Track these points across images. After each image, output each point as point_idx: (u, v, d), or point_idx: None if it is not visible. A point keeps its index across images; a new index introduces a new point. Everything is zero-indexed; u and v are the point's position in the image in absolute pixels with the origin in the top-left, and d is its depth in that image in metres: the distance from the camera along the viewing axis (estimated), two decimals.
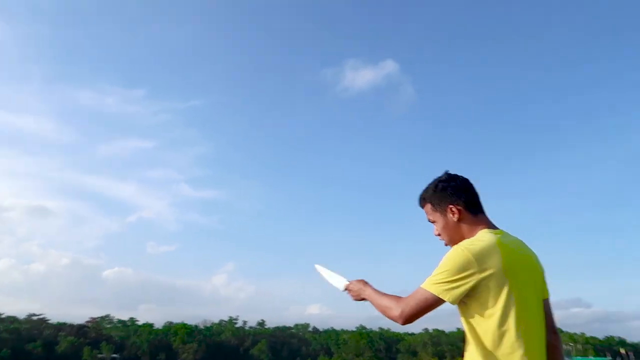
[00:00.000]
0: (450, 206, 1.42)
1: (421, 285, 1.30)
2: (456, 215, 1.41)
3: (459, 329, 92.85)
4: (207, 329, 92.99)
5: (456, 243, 1.35)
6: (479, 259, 1.25)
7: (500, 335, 1.25)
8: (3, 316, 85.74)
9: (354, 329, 76.38)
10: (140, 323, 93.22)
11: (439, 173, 1.50)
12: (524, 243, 1.41)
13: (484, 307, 1.27)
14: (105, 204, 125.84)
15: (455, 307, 1.32)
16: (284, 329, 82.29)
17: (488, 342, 1.26)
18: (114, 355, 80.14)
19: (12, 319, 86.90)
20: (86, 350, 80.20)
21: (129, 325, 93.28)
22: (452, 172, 1.49)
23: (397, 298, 1.35)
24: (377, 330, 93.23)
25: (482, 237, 1.33)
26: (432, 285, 1.28)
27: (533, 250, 1.43)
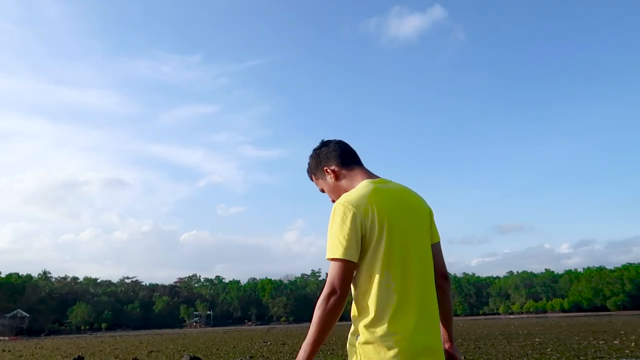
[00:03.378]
0: (325, 168, 1.46)
1: (327, 257, 1.22)
2: (331, 176, 1.44)
3: (547, 270, 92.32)
4: (291, 283, 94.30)
5: None
6: (357, 207, 1.22)
7: (368, 283, 1.20)
8: (99, 281, 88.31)
9: None
10: (226, 281, 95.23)
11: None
12: (407, 188, 1.38)
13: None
14: (174, 171, 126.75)
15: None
16: None
17: (360, 293, 1.22)
18: (209, 312, 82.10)
19: (108, 283, 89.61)
20: (182, 308, 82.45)
21: (217, 284, 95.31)
22: (326, 139, 1.52)
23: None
24: (462, 275, 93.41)
25: (359, 187, 1.31)
26: (335, 250, 1.19)
27: (419, 195, 1.40)
